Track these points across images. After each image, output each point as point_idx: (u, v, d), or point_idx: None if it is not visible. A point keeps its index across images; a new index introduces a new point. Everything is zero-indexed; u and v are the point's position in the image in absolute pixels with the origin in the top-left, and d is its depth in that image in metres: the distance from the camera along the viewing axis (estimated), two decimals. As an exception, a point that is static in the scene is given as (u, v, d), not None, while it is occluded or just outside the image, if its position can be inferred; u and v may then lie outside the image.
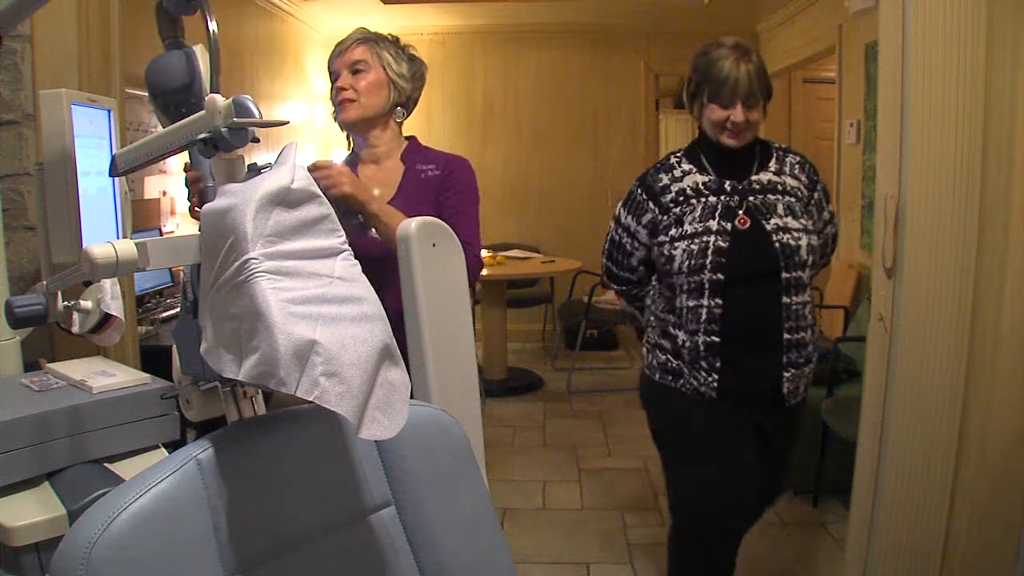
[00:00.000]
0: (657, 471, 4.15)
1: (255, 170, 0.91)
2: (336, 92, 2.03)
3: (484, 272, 5.53)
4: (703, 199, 2.10)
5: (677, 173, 2.16)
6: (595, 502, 3.81)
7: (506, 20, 6.58)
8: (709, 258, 2.02)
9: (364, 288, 0.89)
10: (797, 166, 2.16)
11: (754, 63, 2.05)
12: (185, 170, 1.54)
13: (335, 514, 1.00)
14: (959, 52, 1.87)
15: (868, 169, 4.52)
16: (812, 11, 5.45)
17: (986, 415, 1.99)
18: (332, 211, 0.91)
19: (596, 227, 6.81)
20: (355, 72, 2.02)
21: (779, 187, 2.11)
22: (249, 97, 0.88)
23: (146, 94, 1.12)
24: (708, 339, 2.06)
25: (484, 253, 5.77)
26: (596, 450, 4.50)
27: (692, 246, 2.05)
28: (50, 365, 1.68)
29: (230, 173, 0.91)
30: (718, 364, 2.07)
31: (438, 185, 2.02)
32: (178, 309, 1.01)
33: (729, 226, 2.05)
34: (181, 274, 0.99)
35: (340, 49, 2.05)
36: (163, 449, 1.57)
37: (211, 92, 0.91)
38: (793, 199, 2.10)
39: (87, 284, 1.52)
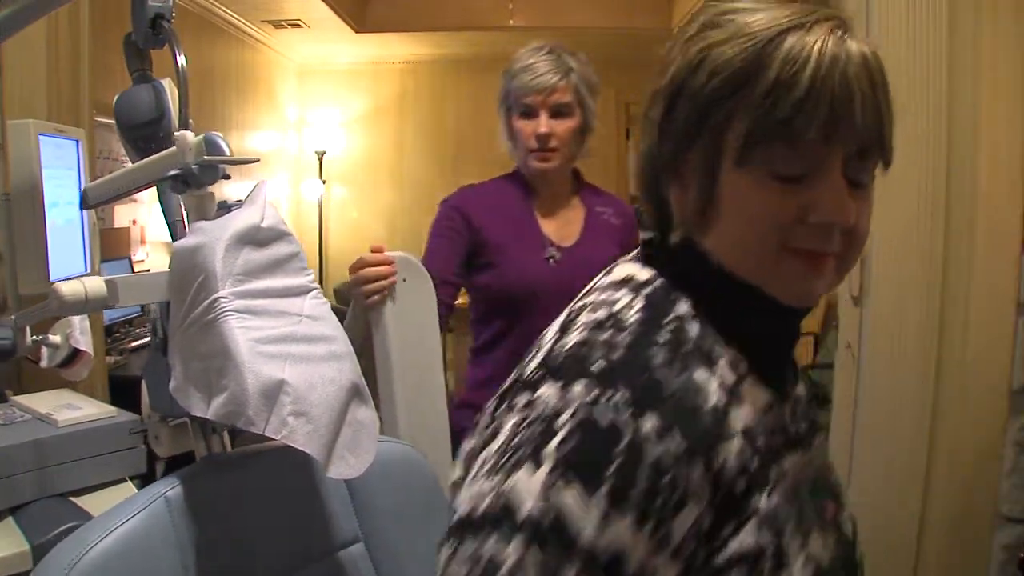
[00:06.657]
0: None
1: (225, 207, 0.91)
2: (537, 139, 1.82)
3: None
4: (777, 467, 0.71)
5: (727, 376, 0.69)
6: (568, 530, 3.78)
7: (478, 49, 6.62)
8: None
9: (333, 327, 0.89)
10: None
11: None
12: None
13: (304, 550, 1.00)
14: (921, 83, 1.90)
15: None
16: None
17: (954, 441, 2.01)
18: (301, 249, 0.91)
19: (568, 254, 6.82)
20: (557, 115, 1.80)
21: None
22: (220, 134, 0.88)
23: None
24: None
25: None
26: (569, 478, 4.47)
27: None
28: (16, 398, 1.65)
29: (200, 210, 0.92)
30: None
31: (622, 230, 1.91)
32: (148, 339, 1.01)
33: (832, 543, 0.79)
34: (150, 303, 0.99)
35: (542, 86, 1.80)
36: (130, 483, 1.55)
37: (180, 126, 0.91)
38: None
39: (58, 317, 1.51)
